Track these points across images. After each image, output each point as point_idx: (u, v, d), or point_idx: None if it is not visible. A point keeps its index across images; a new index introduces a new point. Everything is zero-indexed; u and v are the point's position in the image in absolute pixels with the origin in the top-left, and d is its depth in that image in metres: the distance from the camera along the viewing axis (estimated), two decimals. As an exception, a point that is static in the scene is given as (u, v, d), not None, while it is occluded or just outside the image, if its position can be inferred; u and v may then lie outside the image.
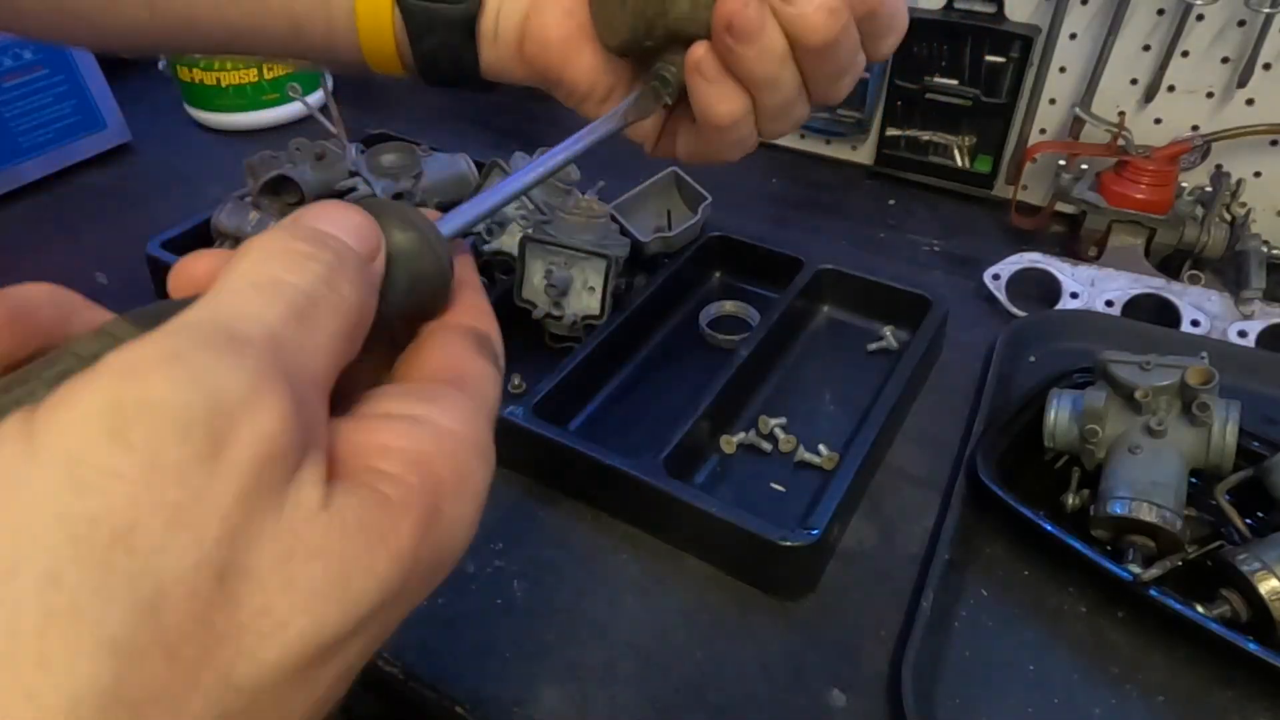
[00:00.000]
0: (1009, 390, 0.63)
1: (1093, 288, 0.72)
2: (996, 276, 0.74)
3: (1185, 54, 0.76)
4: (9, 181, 0.91)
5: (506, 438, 0.58)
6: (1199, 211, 0.73)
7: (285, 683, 0.16)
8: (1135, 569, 0.47)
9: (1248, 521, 0.50)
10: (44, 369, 0.17)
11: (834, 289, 0.73)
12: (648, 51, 0.36)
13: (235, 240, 0.76)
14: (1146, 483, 0.49)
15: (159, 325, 0.16)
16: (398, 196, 0.75)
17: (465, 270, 0.25)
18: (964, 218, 0.87)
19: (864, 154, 0.96)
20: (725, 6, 0.31)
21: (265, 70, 1.03)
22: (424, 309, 0.24)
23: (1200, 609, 0.46)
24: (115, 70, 1.00)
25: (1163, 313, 0.70)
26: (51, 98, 0.93)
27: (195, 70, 1.02)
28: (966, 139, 0.88)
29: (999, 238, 0.84)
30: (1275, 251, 0.70)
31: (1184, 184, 0.76)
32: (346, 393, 0.20)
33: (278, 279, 0.18)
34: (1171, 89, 0.78)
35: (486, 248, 0.72)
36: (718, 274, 0.78)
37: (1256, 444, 0.53)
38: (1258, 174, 0.77)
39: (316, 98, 0.99)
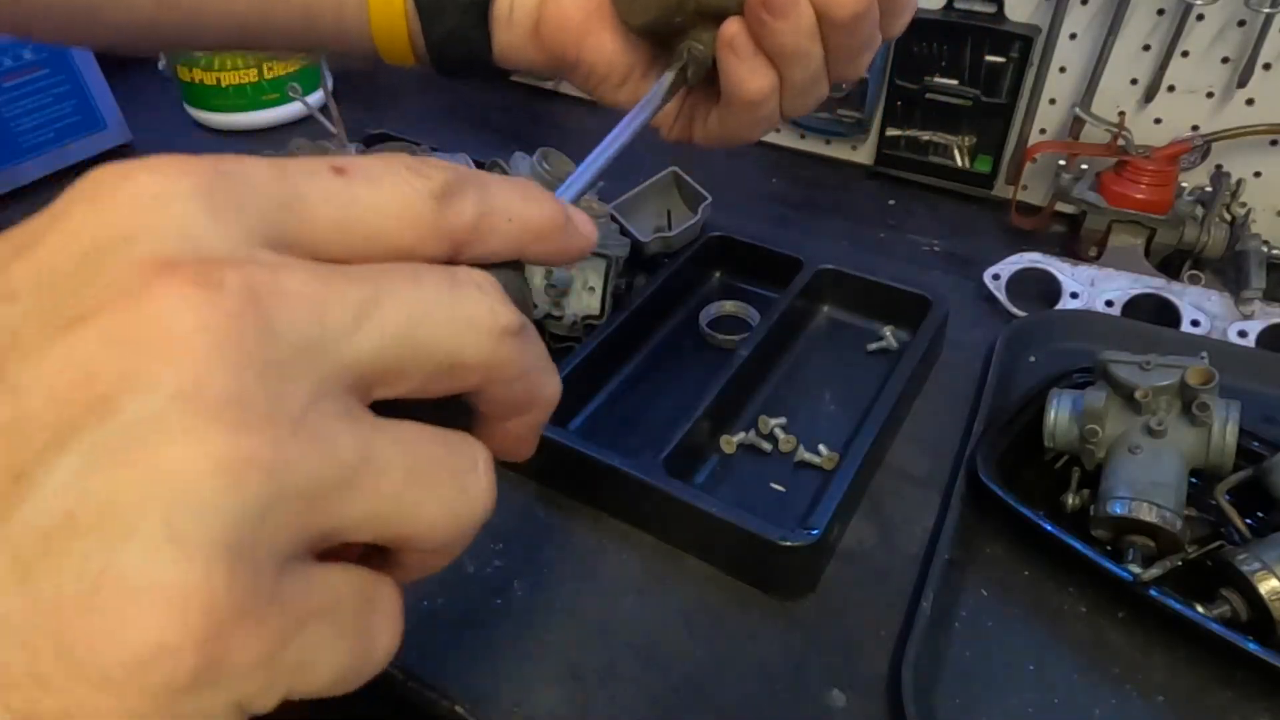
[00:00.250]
0: (1009, 390, 0.63)
1: (1093, 288, 0.72)
2: (996, 276, 0.74)
3: (1185, 54, 0.76)
4: (9, 181, 0.91)
5: (506, 438, 0.58)
6: (1199, 211, 0.73)
7: None
8: (1135, 569, 0.47)
9: (1248, 521, 0.50)
10: None
11: (834, 289, 0.73)
12: (674, 30, 0.36)
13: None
14: (1146, 483, 0.49)
15: None
16: (398, 196, 0.75)
17: None
18: (964, 218, 0.87)
19: (864, 154, 0.96)
20: None
21: (265, 70, 1.03)
22: None
23: (1200, 609, 0.46)
24: (115, 70, 0.99)
25: (1163, 313, 0.70)
26: (51, 98, 0.93)
27: (195, 70, 1.02)
28: (966, 139, 0.88)
29: (999, 238, 0.84)
30: (1275, 251, 0.70)
31: (1184, 184, 0.76)
32: None
33: None
34: (1171, 89, 0.78)
35: (486, 248, 0.71)
36: (718, 274, 0.78)
37: (1256, 444, 0.53)
38: (1258, 174, 0.77)
39: (316, 98, 0.99)
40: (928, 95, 0.86)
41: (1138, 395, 0.52)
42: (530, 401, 0.21)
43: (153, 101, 1.11)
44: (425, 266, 0.18)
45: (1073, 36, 0.80)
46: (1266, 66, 0.73)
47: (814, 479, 0.59)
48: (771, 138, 1.01)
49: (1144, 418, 0.52)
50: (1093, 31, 0.79)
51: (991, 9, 0.82)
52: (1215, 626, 0.45)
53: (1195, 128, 0.78)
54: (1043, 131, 0.86)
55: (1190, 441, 0.51)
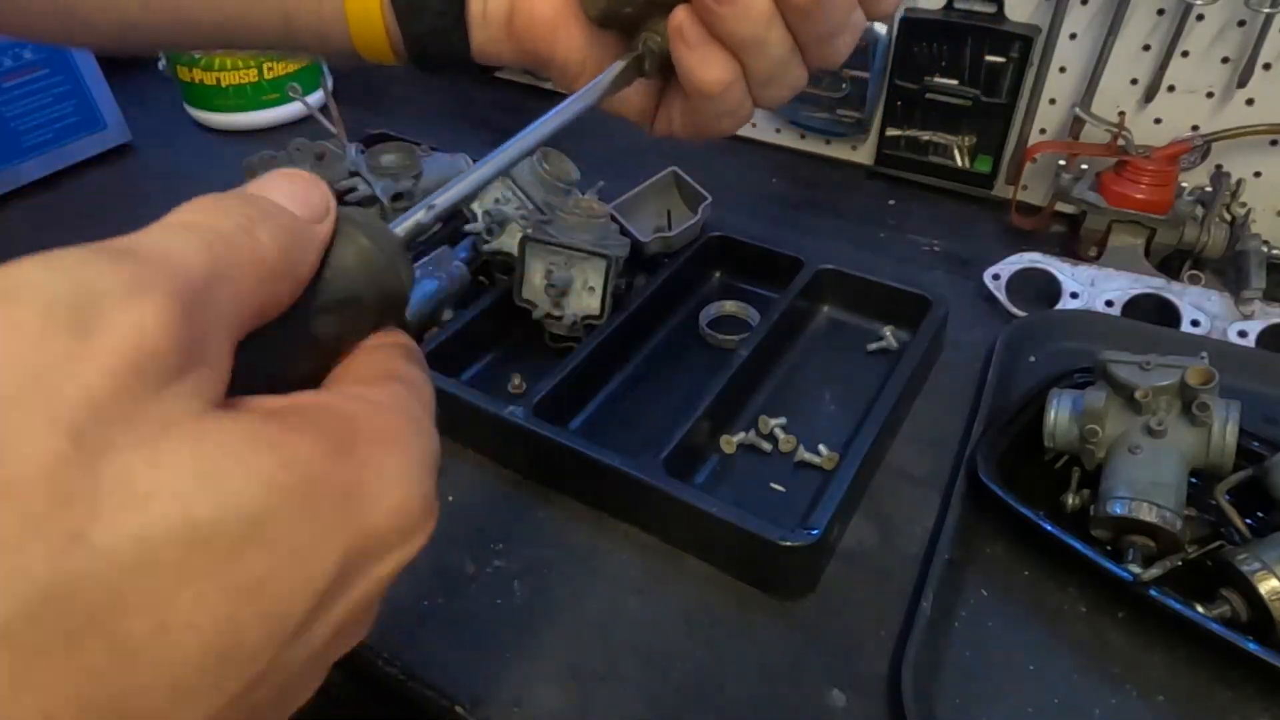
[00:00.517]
0: (1009, 390, 0.63)
1: (1093, 288, 0.72)
2: (996, 276, 0.74)
3: (1185, 54, 0.76)
4: (9, 181, 0.91)
5: (507, 437, 0.59)
6: (1199, 211, 0.73)
7: (153, 565, 0.15)
8: (1135, 569, 0.47)
9: (1248, 521, 0.50)
10: None
11: (834, 289, 0.73)
12: (629, 20, 0.35)
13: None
14: (1146, 483, 0.49)
15: None
16: (397, 196, 0.75)
17: None
18: (964, 218, 0.87)
19: (864, 154, 0.96)
20: None
21: (265, 70, 1.03)
22: (378, 322, 0.23)
23: (1200, 609, 0.46)
24: (115, 70, 1.00)
25: (1163, 313, 0.70)
26: (51, 98, 0.93)
27: (195, 70, 1.02)
28: (966, 139, 0.88)
29: (999, 238, 0.84)
30: (1275, 251, 0.70)
31: (1184, 184, 0.76)
32: None
33: (196, 222, 0.19)
34: (1171, 89, 0.78)
35: (486, 248, 0.72)
36: (718, 274, 0.78)
37: (1256, 444, 0.53)
38: (1258, 174, 0.77)
39: (316, 98, 0.99)
40: (928, 95, 0.86)
41: (1138, 395, 0.52)
42: None
43: (153, 101, 1.11)
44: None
45: (1073, 36, 0.80)
46: (1266, 66, 0.73)
47: (814, 479, 0.59)
48: (771, 138, 1.01)
49: (1144, 418, 0.52)
50: (1093, 31, 0.79)
51: (991, 9, 0.82)
52: (1215, 626, 0.45)
53: (1195, 128, 0.78)
54: (1043, 131, 0.86)
55: (1190, 441, 0.51)
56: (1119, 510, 0.49)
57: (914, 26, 0.84)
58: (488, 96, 1.13)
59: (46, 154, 0.94)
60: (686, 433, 0.56)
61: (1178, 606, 0.46)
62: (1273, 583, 0.45)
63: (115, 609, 0.15)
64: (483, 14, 0.39)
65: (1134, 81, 0.79)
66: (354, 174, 0.75)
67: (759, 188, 0.94)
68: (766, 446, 0.61)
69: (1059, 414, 0.54)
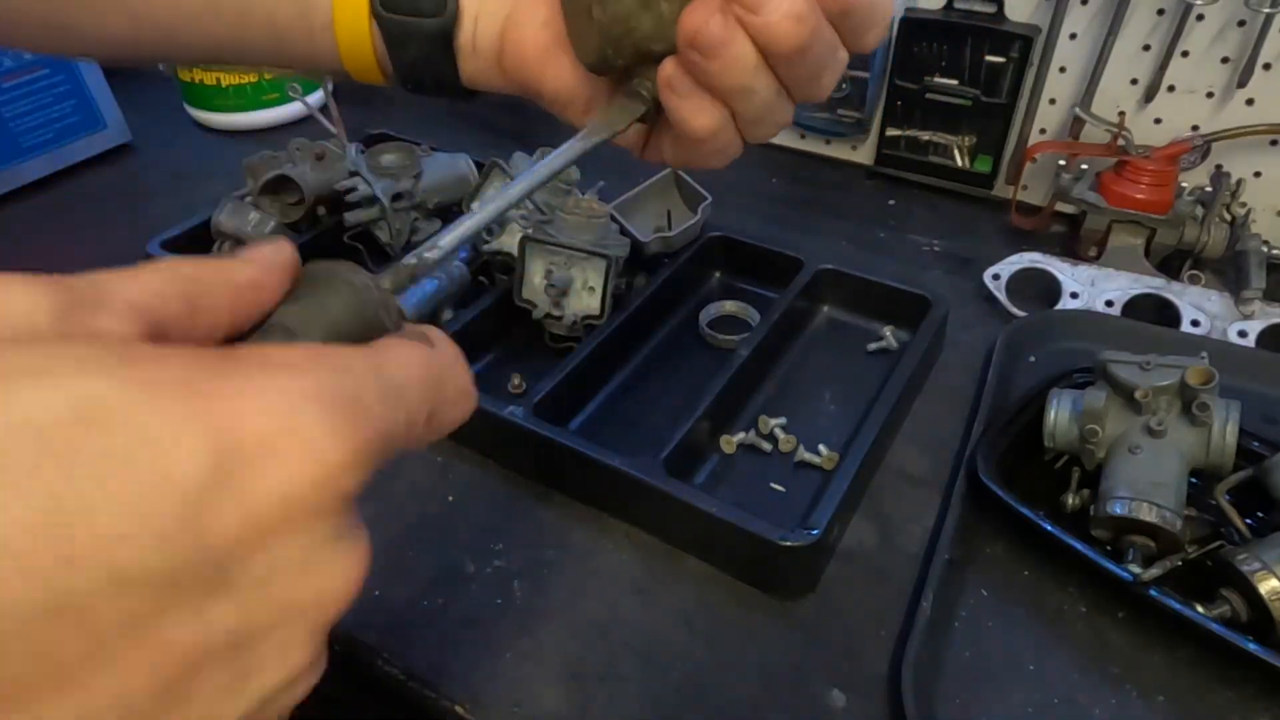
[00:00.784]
0: (1009, 390, 0.63)
1: (1093, 288, 0.72)
2: (996, 276, 0.74)
3: (1185, 54, 0.76)
4: (9, 181, 0.91)
5: (507, 437, 0.59)
6: (1199, 211, 0.73)
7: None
8: (1135, 569, 0.47)
9: (1248, 521, 0.50)
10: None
11: (834, 289, 0.73)
12: (621, 69, 0.36)
13: (235, 240, 0.76)
14: (1146, 483, 0.49)
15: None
16: (397, 197, 0.76)
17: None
18: (964, 218, 0.87)
19: (864, 154, 0.96)
20: (688, 22, 0.31)
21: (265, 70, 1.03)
22: None
23: (1200, 609, 0.46)
24: (115, 70, 1.00)
25: (1163, 313, 0.70)
26: (51, 98, 0.93)
27: (195, 70, 1.02)
28: (966, 139, 0.88)
29: (999, 238, 0.84)
30: (1275, 251, 0.70)
31: (1184, 184, 0.76)
32: None
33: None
34: (1171, 89, 0.78)
35: (486, 248, 0.72)
36: (718, 274, 0.78)
37: (1256, 444, 0.53)
38: (1258, 174, 0.77)
39: (316, 98, 0.99)
40: (928, 95, 0.86)
41: (1138, 395, 0.52)
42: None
43: (153, 101, 1.11)
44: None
45: (1073, 36, 0.80)
46: (1266, 66, 0.73)
47: (814, 479, 0.59)
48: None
49: (1144, 418, 0.52)
50: (1093, 31, 0.79)
51: (991, 9, 0.82)
52: (1215, 626, 0.45)
53: (1195, 128, 0.78)
54: (1043, 131, 0.86)
55: (1190, 441, 0.51)
56: (1119, 510, 0.49)
57: (914, 26, 0.84)
58: (487, 97, 1.12)
59: (46, 154, 0.94)
60: (686, 433, 0.56)
61: (1178, 606, 0.46)
62: (1273, 583, 0.45)
63: None
64: (472, 45, 0.40)
65: (1134, 81, 0.79)
66: (354, 174, 0.75)
67: (759, 188, 0.94)
68: (766, 446, 0.61)
69: (1059, 414, 0.54)
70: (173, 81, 1.06)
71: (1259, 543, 0.47)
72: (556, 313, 0.66)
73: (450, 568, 0.54)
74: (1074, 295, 0.72)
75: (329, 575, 0.19)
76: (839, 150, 0.98)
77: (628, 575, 0.53)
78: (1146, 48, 0.77)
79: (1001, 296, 0.73)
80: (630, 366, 0.68)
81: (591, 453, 0.54)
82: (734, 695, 0.47)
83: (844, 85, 0.90)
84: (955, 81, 0.85)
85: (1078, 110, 0.79)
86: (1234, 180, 0.73)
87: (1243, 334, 0.67)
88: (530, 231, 0.66)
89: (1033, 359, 0.67)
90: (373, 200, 0.74)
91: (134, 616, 0.16)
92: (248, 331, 0.22)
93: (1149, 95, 0.78)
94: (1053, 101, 0.84)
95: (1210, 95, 0.77)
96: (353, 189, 0.74)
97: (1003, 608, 0.50)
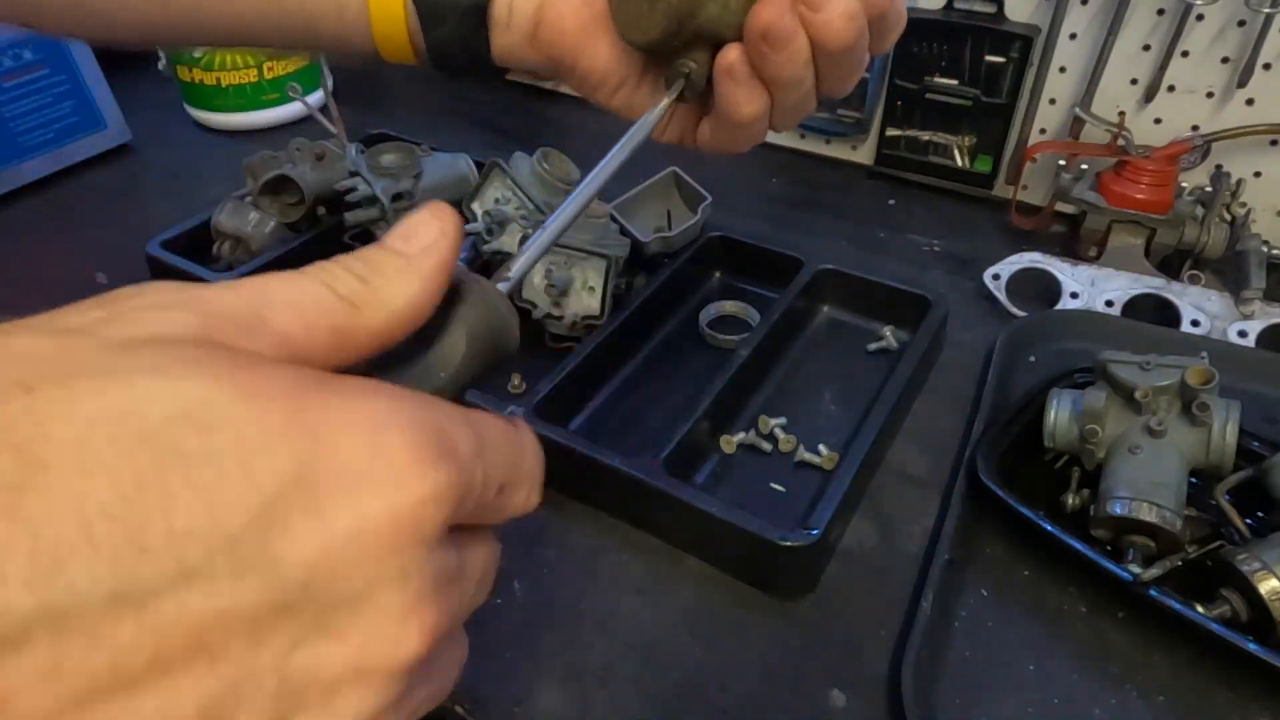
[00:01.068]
0: (1009, 390, 0.63)
1: (1093, 288, 0.72)
2: (996, 276, 0.74)
3: (1185, 54, 0.76)
4: (9, 181, 0.91)
5: (506, 438, 0.58)
6: (1199, 211, 0.73)
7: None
8: (1135, 569, 0.47)
9: (1248, 521, 0.50)
10: None
11: (834, 289, 0.73)
12: (672, 50, 0.37)
13: (235, 240, 0.76)
14: (1146, 483, 0.49)
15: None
16: (398, 197, 0.75)
17: None
18: (964, 218, 0.87)
19: (864, 154, 0.96)
20: (763, 15, 0.33)
21: (265, 70, 1.03)
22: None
23: (1200, 609, 0.46)
24: (115, 70, 1.00)
25: (1163, 313, 0.70)
26: (51, 98, 0.93)
27: (195, 70, 1.02)
28: (966, 139, 0.88)
29: (999, 238, 0.84)
30: (1275, 251, 0.70)
31: (1184, 184, 0.76)
32: None
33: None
34: (1171, 89, 0.78)
35: (486, 248, 0.72)
36: (718, 274, 0.78)
37: (1256, 444, 0.53)
38: (1258, 174, 0.77)
39: (316, 98, 0.99)
40: (928, 95, 0.86)
41: (1138, 395, 0.52)
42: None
43: (153, 101, 1.11)
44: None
45: (1073, 36, 0.80)
46: (1266, 66, 0.73)
47: (814, 479, 0.59)
48: (771, 138, 1.00)
49: (1144, 418, 0.52)
50: (1093, 31, 0.79)
51: (991, 9, 0.82)
52: (1215, 626, 0.45)
53: (1195, 128, 0.78)
54: (1043, 131, 0.86)
55: (1190, 441, 0.51)
56: (1119, 510, 0.49)
57: (914, 26, 0.83)
58: (488, 96, 1.13)
59: (46, 154, 0.94)
60: (686, 433, 0.56)
61: (1178, 606, 0.46)
62: (1273, 583, 0.45)
63: None
64: (507, 20, 0.40)
65: (1134, 81, 0.79)
66: (354, 174, 0.75)
67: (759, 188, 0.94)
68: (766, 446, 0.61)
69: (1059, 414, 0.54)
70: (173, 81, 1.06)
71: (1259, 543, 0.47)
72: (556, 313, 0.66)
73: (450, 568, 0.53)
74: (1074, 295, 0.72)
75: (391, 623, 0.18)
76: (839, 150, 0.98)
77: (628, 575, 0.53)
78: (1146, 48, 0.77)
79: (1001, 296, 0.73)
80: (630, 367, 0.68)
81: (591, 453, 0.54)
82: (734, 695, 0.47)
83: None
84: (955, 81, 0.85)
85: (1078, 110, 0.79)
86: (1234, 180, 0.73)
87: (1243, 334, 0.67)
88: (530, 231, 0.66)
89: (1033, 359, 0.67)
90: (373, 200, 0.74)
91: (193, 618, 0.16)
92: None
93: (1149, 95, 0.78)
94: (1053, 101, 0.84)
95: (1210, 95, 0.77)
96: (353, 189, 0.74)
97: (1003, 608, 0.50)
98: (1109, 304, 0.71)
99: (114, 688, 0.15)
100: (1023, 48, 0.80)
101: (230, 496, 0.16)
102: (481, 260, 0.73)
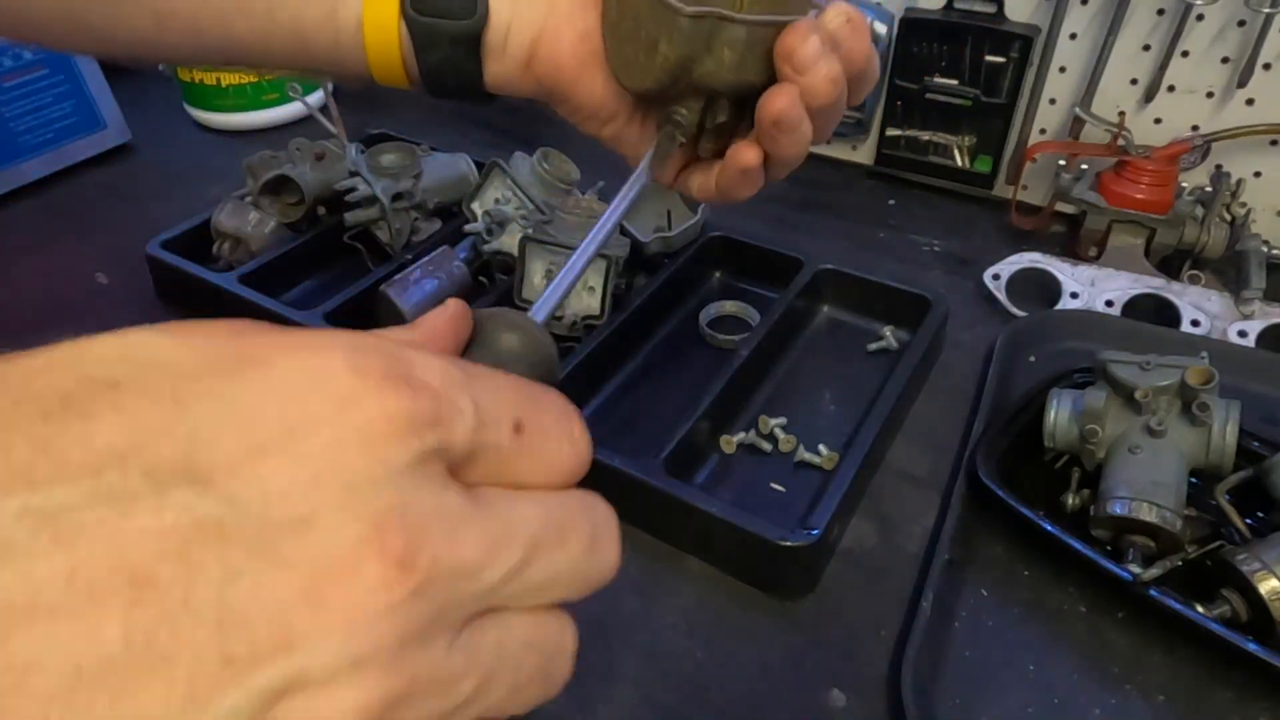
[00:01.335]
0: (1009, 390, 0.63)
1: (1093, 288, 0.72)
2: (996, 276, 0.74)
3: (1185, 54, 0.76)
4: (9, 181, 0.91)
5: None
6: (1199, 211, 0.73)
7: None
8: (1135, 569, 0.47)
9: (1248, 521, 0.50)
10: None
11: (834, 289, 0.73)
12: (664, 98, 0.38)
13: (235, 240, 0.76)
14: (1146, 483, 0.49)
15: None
16: (398, 197, 0.75)
17: None
18: (964, 218, 0.87)
19: (864, 154, 0.96)
20: (775, 105, 0.35)
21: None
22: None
23: (1200, 609, 0.46)
24: (115, 70, 1.00)
25: (1163, 313, 0.70)
26: (51, 98, 0.93)
27: (195, 70, 1.02)
28: (966, 139, 0.88)
29: (999, 238, 0.84)
30: (1275, 251, 0.70)
31: (1184, 184, 0.76)
32: None
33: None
34: (1171, 89, 0.78)
35: (486, 248, 0.72)
36: (718, 274, 0.78)
37: (1256, 444, 0.53)
38: (1258, 174, 0.77)
39: (316, 98, 0.99)
40: (928, 95, 0.86)
41: (1138, 395, 0.52)
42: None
43: (153, 101, 1.11)
44: (571, 525, 0.21)
45: (1073, 36, 0.80)
46: (1266, 66, 0.73)
47: (814, 479, 0.59)
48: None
49: (1144, 418, 0.52)
50: (1093, 31, 0.79)
51: (991, 9, 0.82)
52: (1215, 626, 0.45)
53: (1195, 128, 0.78)
54: (1043, 131, 0.86)
55: (1190, 441, 0.51)
56: (1119, 510, 0.49)
57: (914, 26, 0.84)
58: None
59: (46, 154, 0.94)
60: (686, 433, 0.56)
61: (1178, 606, 0.46)
62: (1273, 583, 0.45)
63: None
64: (502, 48, 0.40)
65: (1134, 81, 0.79)
66: (354, 174, 0.75)
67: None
68: (766, 446, 0.61)
69: (1059, 414, 0.54)
70: (173, 81, 1.06)
71: (1259, 543, 0.47)
72: (557, 313, 0.66)
73: (450, 568, 0.53)
74: (1074, 295, 0.72)
75: (341, 546, 0.16)
76: (839, 150, 0.98)
77: (628, 575, 0.53)
78: (1146, 48, 0.77)
79: (1001, 296, 0.73)
80: (630, 366, 0.68)
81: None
82: (734, 695, 0.47)
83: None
84: (955, 81, 0.85)
85: (1078, 110, 0.79)
86: (1234, 180, 0.73)
87: (1243, 334, 0.67)
88: (530, 231, 0.66)
89: (1033, 359, 0.67)
90: (373, 200, 0.74)
91: (112, 537, 0.15)
92: None
93: (1149, 95, 0.78)
94: (1053, 101, 0.84)
95: (1210, 95, 0.77)
96: (353, 189, 0.74)
97: (1003, 608, 0.50)
98: (1109, 304, 0.71)
99: (31, 613, 0.14)
100: (1023, 48, 0.80)
101: (155, 419, 0.16)
102: (482, 260, 0.73)
